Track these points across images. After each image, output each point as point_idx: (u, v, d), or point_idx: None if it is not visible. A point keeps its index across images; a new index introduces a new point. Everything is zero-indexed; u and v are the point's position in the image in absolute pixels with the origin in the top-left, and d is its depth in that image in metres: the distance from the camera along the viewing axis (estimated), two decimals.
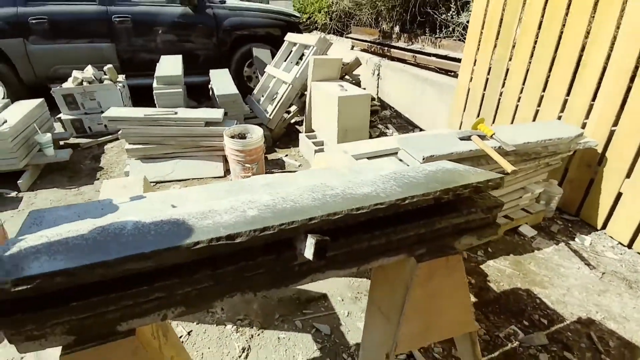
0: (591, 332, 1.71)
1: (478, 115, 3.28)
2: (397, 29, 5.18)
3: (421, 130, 4.18)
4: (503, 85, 2.98)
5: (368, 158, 2.32)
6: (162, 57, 4.10)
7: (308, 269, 0.87)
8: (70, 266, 0.61)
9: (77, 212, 1.06)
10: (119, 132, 2.95)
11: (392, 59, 4.71)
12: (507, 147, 1.99)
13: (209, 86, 4.47)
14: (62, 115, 3.60)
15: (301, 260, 0.84)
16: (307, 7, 7.32)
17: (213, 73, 4.23)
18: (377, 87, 4.96)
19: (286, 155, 3.53)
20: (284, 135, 3.97)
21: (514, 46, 2.84)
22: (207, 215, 0.82)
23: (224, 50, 4.89)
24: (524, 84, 2.81)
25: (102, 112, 3.70)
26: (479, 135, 2.02)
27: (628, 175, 2.29)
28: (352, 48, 5.67)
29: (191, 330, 1.71)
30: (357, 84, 4.01)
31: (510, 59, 2.88)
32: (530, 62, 2.75)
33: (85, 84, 3.52)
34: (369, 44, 5.24)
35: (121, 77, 3.93)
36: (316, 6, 7.01)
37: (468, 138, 2.02)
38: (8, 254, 0.65)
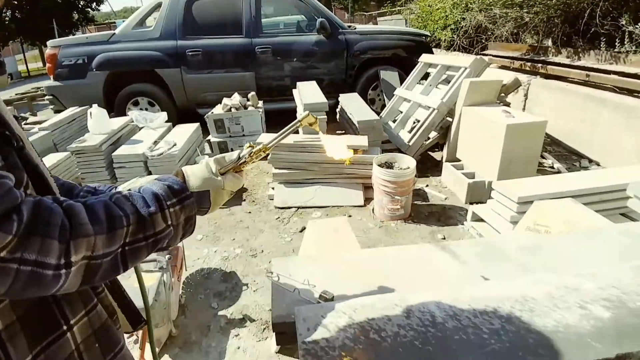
0: None
1: None
2: (548, 42, 4.51)
3: (590, 161, 3.44)
4: None
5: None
6: (298, 83, 4.27)
7: None
8: None
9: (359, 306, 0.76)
10: (268, 157, 3.08)
11: (547, 77, 4.07)
12: None
13: (337, 110, 4.50)
14: (211, 138, 3.99)
15: None
16: (429, 25, 7.03)
17: (343, 97, 4.24)
18: (523, 108, 4.35)
19: (427, 186, 3.24)
20: (418, 163, 3.69)
21: None
22: (527, 307, 0.60)
23: (351, 73, 4.91)
24: None
25: (244, 135, 4.01)
26: None
27: None
28: (489, 66, 5.14)
29: None
30: (507, 106, 3.54)
31: None
32: None
33: (233, 110, 3.85)
34: (513, 60, 4.67)
35: (260, 103, 4.21)
36: (440, 23, 6.66)
37: None
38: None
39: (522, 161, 2.64)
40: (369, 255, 0.96)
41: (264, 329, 1.68)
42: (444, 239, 2.46)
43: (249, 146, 0.73)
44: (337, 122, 4.61)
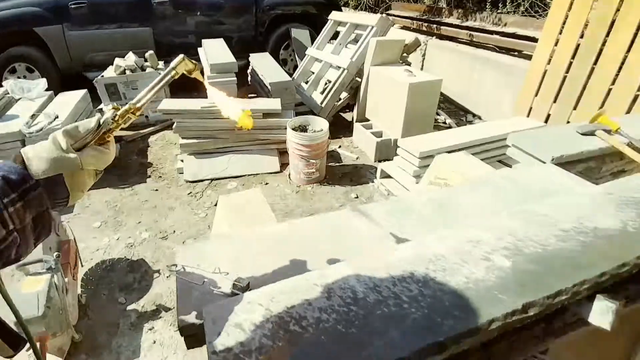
0: None
1: (555, 101, 2.99)
2: (443, 3, 4.80)
3: (474, 115, 3.91)
4: (592, 69, 2.69)
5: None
6: (203, 41, 3.83)
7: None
8: None
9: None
10: (174, 126, 2.75)
11: (442, 37, 4.38)
12: (637, 144, 1.75)
13: (248, 71, 4.22)
14: (103, 107, 3.40)
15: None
16: None
17: (254, 57, 3.97)
18: (422, 68, 4.65)
19: (339, 147, 3.31)
20: (331, 124, 3.73)
21: (613, 22, 2.52)
22: (440, 266, 0.63)
23: (261, 31, 4.59)
24: (622, 65, 2.51)
25: None
26: (604, 130, 1.78)
27: None
28: (393, 25, 5.31)
29: None
30: (408, 65, 3.73)
31: (607, 35, 2.57)
32: (634, 40, 2.43)
33: (127, 72, 3.30)
34: (412, 20, 4.88)
35: (161, 64, 3.69)
36: None
37: (592, 133, 1.78)
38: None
39: (421, 118, 2.85)
40: (286, 229, 0.92)
41: None
42: (357, 197, 2.58)
43: (113, 108, 0.58)
44: (248, 85, 4.34)
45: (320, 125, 2.67)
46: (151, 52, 3.57)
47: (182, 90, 3.70)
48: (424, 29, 4.70)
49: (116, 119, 0.58)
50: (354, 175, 2.86)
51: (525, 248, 0.66)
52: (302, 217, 2.37)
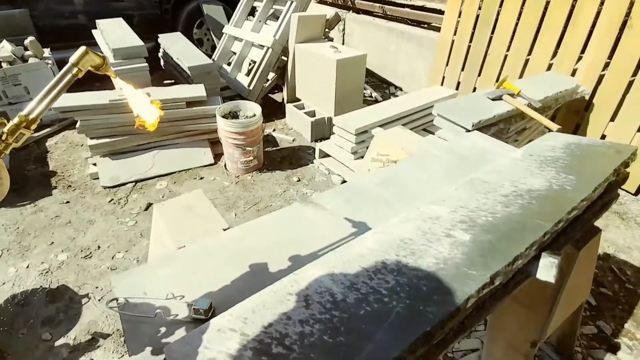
0: (612, 265, 1.90)
1: (462, 69, 3.26)
2: None
3: (396, 87, 4.09)
4: (490, 38, 2.96)
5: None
6: (98, 22, 3.30)
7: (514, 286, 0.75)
8: None
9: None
10: (77, 125, 2.37)
11: (358, 11, 4.42)
12: (535, 104, 2.00)
13: (159, 54, 3.80)
14: None
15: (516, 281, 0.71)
16: None
17: (164, 38, 3.58)
18: (343, 43, 4.67)
19: (274, 130, 3.22)
20: (262, 107, 3.58)
21: None
22: (409, 250, 0.64)
23: (167, 8, 4.12)
24: (513, 34, 2.81)
25: (32, 99, 2.95)
26: (509, 94, 1.99)
27: (612, 119, 2.47)
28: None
29: None
30: (331, 41, 3.71)
31: (500, 6, 2.83)
32: (521, 11, 2.73)
33: (5, 65, 2.70)
34: None
35: (47, 52, 3.10)
36: None
37: (499, 98, 1.98)
38: None
39: (351, 94, 2.89)
40: (238, 234, 0.85)
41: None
42: (299, 180, 2.55)
43: None
44: (162, 70, 3.91)
45: (252, 109, 2.54)
46: (31, 38, 2.97)
47: (82, 82, 3.18)
48: (340, 2, 4.68)
49: (4, 137, 0.45)
50: (293, 158, 2.82)
51: (478, 219, 0.70)
52: (246, 208, 2.27)
